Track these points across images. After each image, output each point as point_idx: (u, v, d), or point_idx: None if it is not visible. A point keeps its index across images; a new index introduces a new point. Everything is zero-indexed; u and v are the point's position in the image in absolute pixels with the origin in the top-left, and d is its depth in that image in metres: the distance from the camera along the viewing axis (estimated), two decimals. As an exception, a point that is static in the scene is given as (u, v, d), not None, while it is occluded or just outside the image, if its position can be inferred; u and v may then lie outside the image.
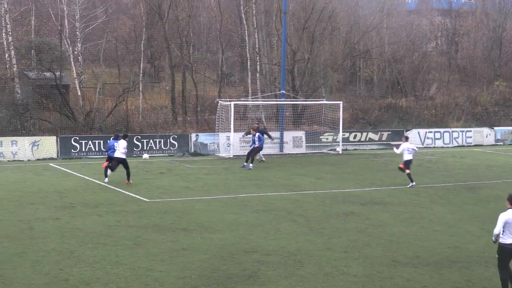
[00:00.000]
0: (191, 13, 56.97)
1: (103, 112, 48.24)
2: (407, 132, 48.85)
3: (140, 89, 53.36)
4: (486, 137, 51.72)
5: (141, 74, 54.82)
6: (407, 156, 29.58)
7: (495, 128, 52.81)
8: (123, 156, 29.30)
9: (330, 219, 22.21)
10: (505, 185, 30.67)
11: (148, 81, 58.90)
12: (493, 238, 14.77)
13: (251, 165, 35.81)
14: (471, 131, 51.78)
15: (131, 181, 29.57)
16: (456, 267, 16.67)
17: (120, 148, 29.24)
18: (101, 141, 40.29)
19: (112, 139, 30.31)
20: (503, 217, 14.67)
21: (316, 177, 32.85)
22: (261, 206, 24.55)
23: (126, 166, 29.46)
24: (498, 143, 51.54)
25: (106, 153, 31.19)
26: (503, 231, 14.65)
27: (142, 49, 55.25)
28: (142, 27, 55.76)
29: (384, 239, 19.41)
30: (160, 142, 41.35)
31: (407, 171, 29.69)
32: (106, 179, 29.61)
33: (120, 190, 27.70)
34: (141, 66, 55.10)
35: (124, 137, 30.05)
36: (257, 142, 36.82)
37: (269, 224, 21.28)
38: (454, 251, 18.22)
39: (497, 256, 14.84)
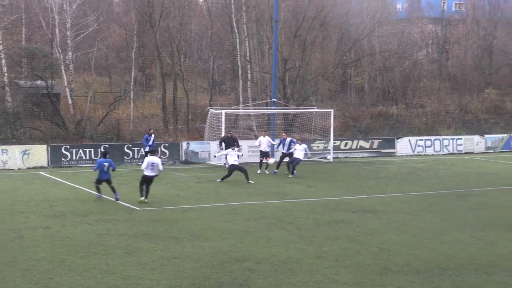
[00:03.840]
0: (182, 21, 57.03)
1: (94, 120, 48.22)
2: (398, 140, 48.98)
3: (131, 97, 53.34)
4: (477, 144, 51.81)
5: (132, 83, 54.79)
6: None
7: (486, 136, 52.92)
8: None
9: (321, 227, 22.20)
10: (496, 193, 30.76)
11: (139, 90, 58.90)
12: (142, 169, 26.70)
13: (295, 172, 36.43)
14: (461, 138, 51.87)
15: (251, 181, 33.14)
16: (447, 274, 16.68)
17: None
18: (92, 150, 40.23)
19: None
20: (147, 159, 26.84)
21: (307, 185, 32.86)
22: (252, 214, 24.54)
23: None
24: (489, 151, 51.65)
25: None
26: (146, 168, 26.55)
27: (133, 57, 55.24)
28: (133, 36, 55.76)
29: (375, 247, 19.42)
30: (151, 150, 41.26)
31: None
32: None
33: (110, 198, 27.61)
34: (132, 75, 55.05)
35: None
36: (284, 149, 37.89)
37: (260, 232, 21.27)
38: (445, 258, 18.24)
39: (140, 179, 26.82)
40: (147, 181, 26.93)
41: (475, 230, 22.00)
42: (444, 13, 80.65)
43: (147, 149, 38.27)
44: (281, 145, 38.09)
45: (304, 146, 37.04)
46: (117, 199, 26.93)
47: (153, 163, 26.95)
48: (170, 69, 54.67)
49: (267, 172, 37.32)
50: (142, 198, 26.63)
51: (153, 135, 39.17)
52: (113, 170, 27.60)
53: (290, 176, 35.85)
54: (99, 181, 27.45)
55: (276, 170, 37.27)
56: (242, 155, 34.94)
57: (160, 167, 27.29)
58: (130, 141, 44.48)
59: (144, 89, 60.57)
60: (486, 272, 16.99)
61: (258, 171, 37.39)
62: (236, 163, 33.01)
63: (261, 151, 38.27)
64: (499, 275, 16.82)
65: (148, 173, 26.80)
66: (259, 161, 38.35)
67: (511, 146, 52.62)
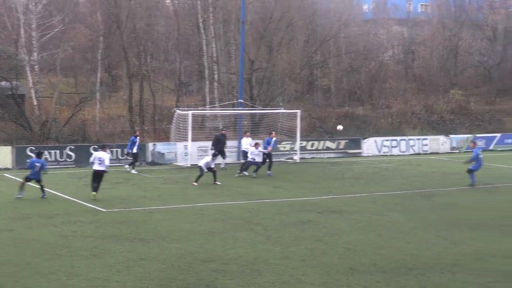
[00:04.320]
0: (149, 22, 56.79)
1: (59, 122, 47.79)
2: (364, 141, 49.23)
3: (98, 98, 52.98)
4: (442, 145, 52.22)
5: (98, 84, 54.38)
6: None
7: (451, 136, 53.36)
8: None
9: (287, 228, 22.26)
10: (460, 193, 31.06)
11: (106, 91, 58.49)
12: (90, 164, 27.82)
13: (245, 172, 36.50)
14: (427, 139, 52.25)
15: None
16: (412, 274, 16.81)
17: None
18: (57, 151, 39.95)
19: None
20: (95, 154, 27.75)
21: (274, 185, 32.90)
22: (218, 215, 24.54)
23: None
24: (454, 151, 52.07)
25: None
26: (94, 162, 27.20)
27: (99, 58, 54.87)
28: (100, 36, 55.40)
29: (341, 247, 19.52)
30: (117, 151, 41.03)
31: None
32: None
33: (76, 200, 27.49)
34: (98, 76, 54.68)
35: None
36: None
37: (226, 233, 21.28)
38: (411, 258, 18.38)
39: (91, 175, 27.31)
40: (97, 175, 27.43)
41: (440, 230, 22.20)
42: (410, 15, 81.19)
43: (135, 150, 38.08)
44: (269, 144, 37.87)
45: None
46: (43, 197, 27.81)
47: (100, 157, 27.49)
48: (137, 70, 54.39)
49: (247, 174, 37.00)
50: (94, 193, 27.39)
51: (138, 137, 38.87)
52: (45, 173, 28.43)
53: (254, 174, 35.92)
54: (28, 179, 28.12)
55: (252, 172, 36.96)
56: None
57: (107, 162, 27.66)
58: (96, 142, 44.17)
59: (110, 90, 60.14)
60: (451, 271, 17.14)
61: (254, 175, 36.74)
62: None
63: (245, 152, 38.42)
64: (463, 274, 16.99)
65: (96, 167, 27.37)
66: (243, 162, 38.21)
67: (476, 146, 53.07)
